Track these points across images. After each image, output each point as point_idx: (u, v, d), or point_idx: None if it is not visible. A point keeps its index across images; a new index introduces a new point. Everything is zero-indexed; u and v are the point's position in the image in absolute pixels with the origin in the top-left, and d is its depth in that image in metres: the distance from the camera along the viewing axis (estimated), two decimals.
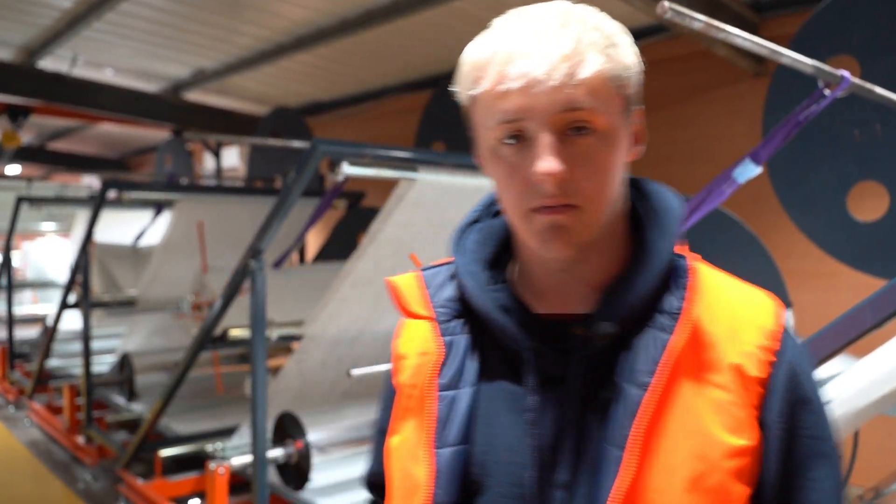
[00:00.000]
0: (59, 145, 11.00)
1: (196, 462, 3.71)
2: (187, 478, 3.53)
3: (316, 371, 3.24)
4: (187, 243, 4.44)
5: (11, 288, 6.02)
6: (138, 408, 4.58)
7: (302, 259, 5.53)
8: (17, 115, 6.19)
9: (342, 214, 4.93)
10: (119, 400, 4.82)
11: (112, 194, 3.82)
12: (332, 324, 3.01)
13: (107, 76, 6.64)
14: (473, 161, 0.77)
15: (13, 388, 5.91)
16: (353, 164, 2.31)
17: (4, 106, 6.13)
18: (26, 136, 10.82)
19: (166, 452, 3.55)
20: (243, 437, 3.66)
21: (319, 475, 2.95)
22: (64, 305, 4.53)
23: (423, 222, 2.70)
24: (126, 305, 4.72)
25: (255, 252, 2.52)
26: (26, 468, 4.41)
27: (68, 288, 4.47)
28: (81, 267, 4.14)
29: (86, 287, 4.15)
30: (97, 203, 3.86)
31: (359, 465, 3.31)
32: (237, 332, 3.03)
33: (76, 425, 4.50)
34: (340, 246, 4.85)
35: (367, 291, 2.90)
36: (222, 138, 6.69)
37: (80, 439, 4.30)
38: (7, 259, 6.11)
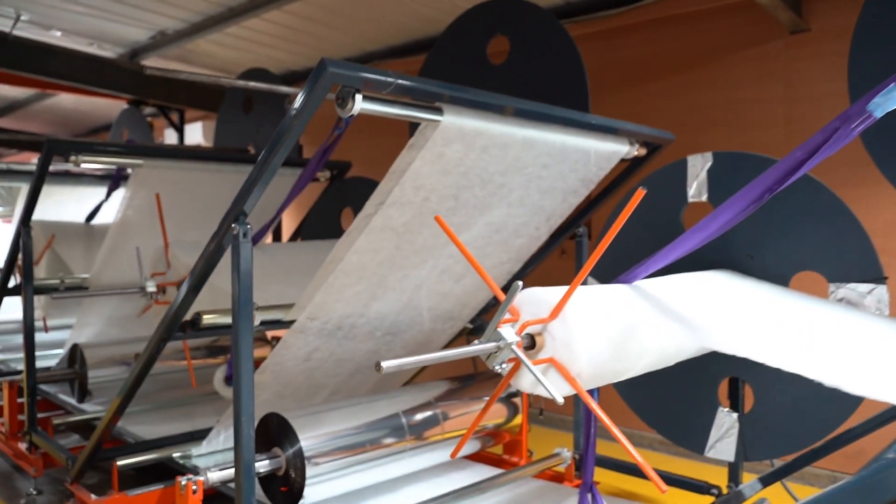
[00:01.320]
0: (4, 123, 10.20)
1: (162, 472, 3.16)
2: (150, 491, 2.96)
3: (302, 365, 2.71)
4: (148, 217, 3.85)
5: None
6: (92, 408, 3.99)
7: (276, 239, 4.96)
8: None
9: (323, 188, 4.38)
10: (69, 399, 4.22)
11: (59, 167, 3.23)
12: (326, 309, 2.48)
13: (55, 38, 5.98)
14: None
15: None
16: (368, 98, 1.79)
17: None
18: None
19: (125, 461, 2.98)
20: (215, 442, 3.12)
21: (314, 490, 2.42)
22: (2, 291, 3.91)
23: (448, 181, 2.18)
24: (77, 290, 4.11)
25: (237, 215, 1.98)
26: None
27: (8, 270, 3.85)
28: (22, 245, 3.53)
29: (28, 268, 3.54)
30: (41, 167, 3.26)
31: (358, 478, 2.79)
32: (212, 318, 2.48)
33: (17, 429, 3.89)
34: (323, 224, 4.30)
35: (368, 271, 2.38)
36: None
37: (23, 445, 3.69)
38: None
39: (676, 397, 2.56)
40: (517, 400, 3.17)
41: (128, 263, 4.00)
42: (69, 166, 3.36)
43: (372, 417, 2.65)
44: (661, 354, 1.91)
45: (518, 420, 3.18)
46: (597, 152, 2.49)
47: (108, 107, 8.98)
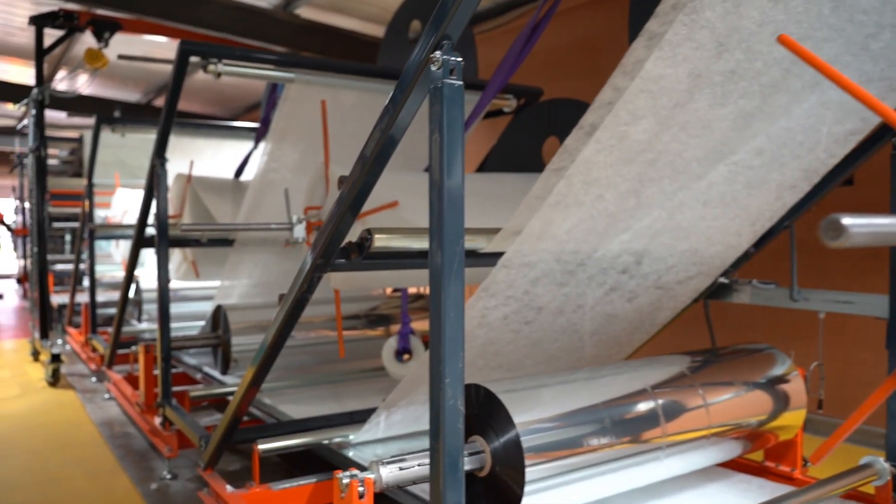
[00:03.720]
0: (161, 102, 10.21)
1: (310, 460, 2.47)
2: (300, 485, 2.27)
3: (511, 320, 1.90)
4: (297, 151, 3.20)
5: (94, 238, 4.99)
6: (235, 381, 3.39)
7: None
8: (102, 30, 5.16)
9: (509, 121, 3.56)
10: (213, 371, 3.66)
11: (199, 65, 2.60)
12: (544, 242, 1.66)
13: None
14: None
15: (96, 355, 4.90)
16: None
17: (89, 17, 5.12)
18: (133, 93, 10.08)
19: (268, 445, 2.29)
20: (376, 428, 2.38)
21: (529, 501, 1.59)
22: (140, 240, 3.38)
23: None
24: (221, 244, 3.53)
25: (439, 41, 1.19)
26: (91, 456, 3.29)
27: (144, 216, 3.31)
28: (157, 184, 2.96)
29: (162, 214, 2.96)
30: (176, 73, 2.65)
31: (591, 486, 1.73)
32: (389, 240, 1.68)
33: (153, 401, 3.35)
34: (514, 158, 3.48)
35: (602, 198, 1.54)
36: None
37: (157, 420, 3.13)
38: (90, 205, 5.10)
39: None
40: (790, 387, 2.19)
41: (277, 211, 3.38)
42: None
43: (607, 396, 1.79)
44: None
45: (794, 418, 2.20)
46: (829, 133, 1.57)
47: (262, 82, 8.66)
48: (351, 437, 2.43)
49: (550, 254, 1.70)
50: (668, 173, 1.61)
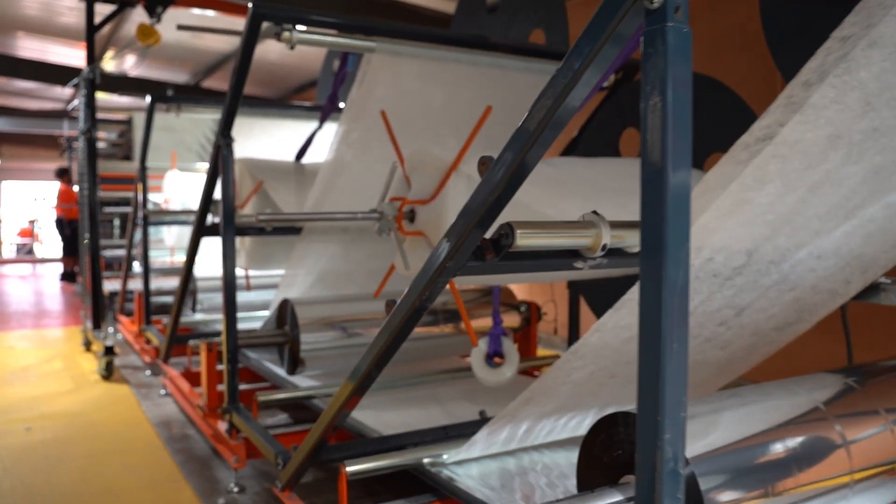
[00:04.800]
0: (213, 83, 10.00)
1: (397, 478, 2.18)
2: None
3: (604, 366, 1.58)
4: (379, 133, 2.88)
5: (147, 223, 4.76)
6: (304, 382, 3.10)
7: None
8: (155, 5, 4.91)
9: (603, 98, 3.21)
10: (276, 369, 3.39)
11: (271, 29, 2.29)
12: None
13: None
14: None
15: (150, 347, 4.67)
16: None
17: None
18: (181, 74, 9.89)
19: (357, 467, 1.99)
20: (476, 445, 2.08)
21: None
22: (200, 228, 3.10)
23: None
24: (287, 233, 3.24)
25: None
26: (150, 462, 3.04)
27: (206, 202, 3.03)
28: (222, 165, 2.67)
29: (227, 199, 2.67)
30: (246, 39, 2.35)
31: None
32: (531, 237, 1.35)
33: (217, 403, 3.09)
34: (604, 140, 3.13)
35: (711, 261, 1.26)
36: None
37: (222, 426, 2.87)
38: (144, 189, 4.86)
39: None
40: None
41: (352, 197, 3.08)
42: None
43: (779, 420, 1.45)
44: None
45: None
46: None
47: (316, 60, 8.38)
48: (445, 456, 2.13)
49: None
50: (786, 232, 1.40)
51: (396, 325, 1.48)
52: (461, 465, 2.15)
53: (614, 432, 1.44)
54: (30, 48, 9.64)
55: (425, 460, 2.09)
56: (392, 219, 2.19)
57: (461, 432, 2.33)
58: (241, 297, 4.92)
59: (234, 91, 2.59)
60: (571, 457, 2.17)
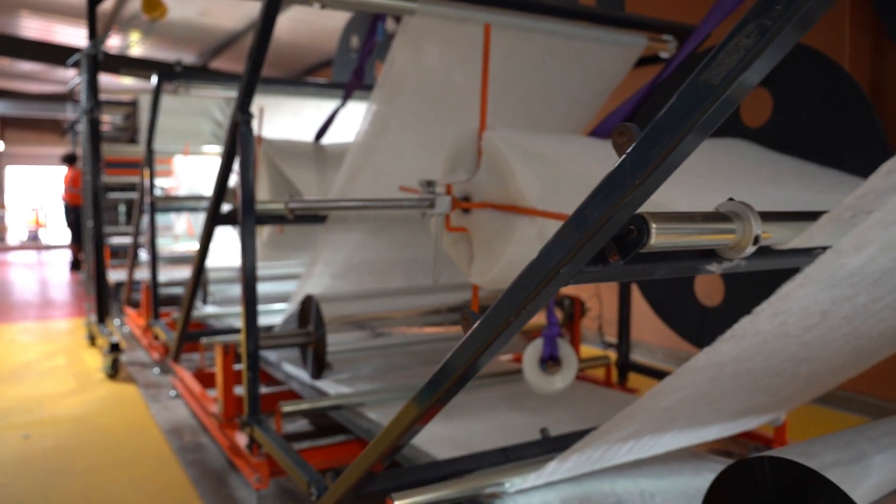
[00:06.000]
0: (221, 64, 9.65)
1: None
2: None
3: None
4: (418, 109, 2.56)
5: (155, 211, 4.43)
6: (331, 388, 2.79)
7: None
8: None
9: (661, 70, 2.86)
10: (296, 371, 3.08)
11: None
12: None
13: None
14: None
15: (158, 343, 4.37)
16: None
17: None
18: (187, 54, 9.54)
19: (407, 501, 1.67)
20: (543, 472, 1.78)
21: None
22: (215, 218, 2.77)
23: None
24: (310, 221, 2.91)
25: None
26: (161, 476, 2.73)
27: (221, 186, 2.70)
28: (240, 144, 2.33)
29: (247, 183, 2.34)
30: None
31: None
32: (669, 233, 1.04)
33: (234, 411, 2.78)
34: None
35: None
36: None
37: (241, 439, 2.55)
38: (151, 174, 4.53)
39: None
40: None
41: (383, 182, 2.75)
42: None
43: None
44: None
45: None
46: None
47: (328, 39, 8.03)
48: (507, 484, 1.82)
49: None
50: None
51: (482, 344, 1.15)
52: (524, 493, 1.86)
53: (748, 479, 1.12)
54: (34, 28, 9.31)
55: (486, 490, 1.78)
56: (447, 203, 1.87)
57: (522, 455, 2.02)
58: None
59: (255, 60, 2.25)
60: (639, 484, 1.89)
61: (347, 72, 5.06)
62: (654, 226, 0.99)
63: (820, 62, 2.26)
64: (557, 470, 1.80)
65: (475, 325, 1.18)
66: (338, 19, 7.33)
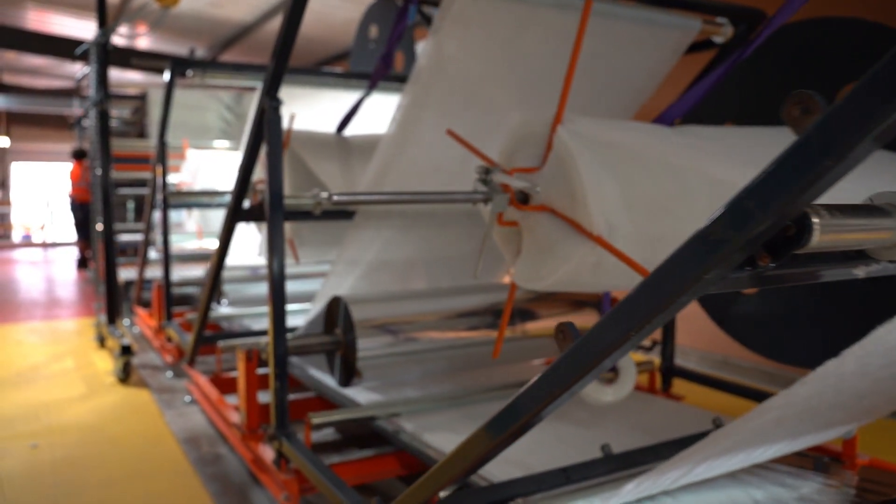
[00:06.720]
0: (232, 57, 9.46)
1: None
2: None
3: None
4: (474, 84, 2.36)
5: (167, 207, 4.24)
6: (363, 396, 2.60)
7: None
8: None
9: (712, 58, 2.66)
10: (321, 376, 2.88)
11: None
12: None
13: None
14: None
15: (171, 345, 4.18)
16: None
17: None
18: (197, 48, 9.36)
19: None
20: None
21: None
22: (237, 214, 2.58)
23: None
24: (338, 217, 2.72)
25: None
26: (179, 490, 2.54)
27: (244, 179, 2.51)
28: (268, 132, 2.14)
29: (275, 176, 2.15)
30: None
31: None
32: (835, 231, 0.86)
33: (258, 421, 2.59)
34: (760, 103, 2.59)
35: None
36: None
37: (267, 453, 2.36)
38: (164, 169, 4.33)
39: None
40: None
41: (418, 175, 2.56)
42: None
43: None
44: None
45: None
46: None
47: (342, 32, 7.83)
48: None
49: None
50: None
51: (586, 363, 0.95)
52: None
53: None
54: (39, 21, 9.13)
55: None
56: (504, 201, 1.67)
57: (584, 475, 1.82)
58: (257, 288, 4.44)
59: (285, 40, 2.06)
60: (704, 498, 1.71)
61: (365, 62, 4.86)
62: (816, 221, 0.79)
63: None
64: (632, 492, 1.61)
65: (577, 340, 0.97)
66: (352, 11, 7.13)
